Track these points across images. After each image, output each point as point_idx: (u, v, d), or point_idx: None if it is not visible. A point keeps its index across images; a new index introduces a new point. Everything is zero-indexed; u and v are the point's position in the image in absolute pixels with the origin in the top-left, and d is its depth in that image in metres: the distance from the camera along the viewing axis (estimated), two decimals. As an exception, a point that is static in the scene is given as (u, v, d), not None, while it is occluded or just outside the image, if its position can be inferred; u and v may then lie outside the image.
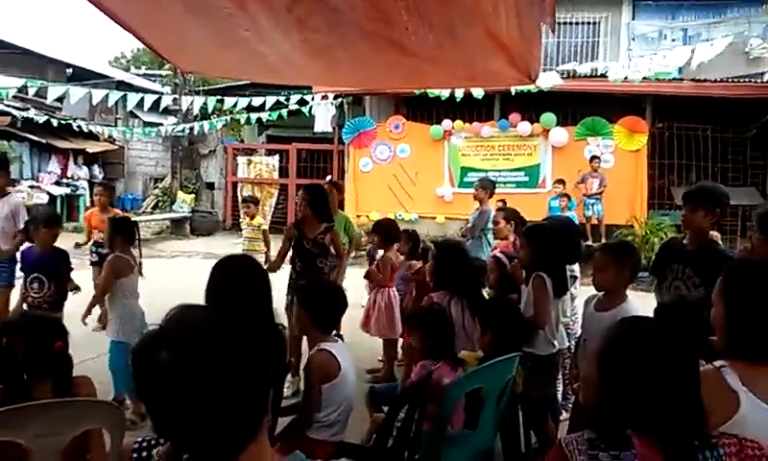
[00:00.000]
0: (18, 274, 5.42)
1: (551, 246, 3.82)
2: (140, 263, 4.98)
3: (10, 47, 20.52)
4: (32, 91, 11.93)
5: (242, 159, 17.67)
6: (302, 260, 5.33)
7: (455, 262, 4.13)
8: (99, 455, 2.40)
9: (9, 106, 16.75)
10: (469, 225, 6.92)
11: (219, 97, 13.04)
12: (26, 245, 5.36)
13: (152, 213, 18.36)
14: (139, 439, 2.70)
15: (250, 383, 1.29)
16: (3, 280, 5.57)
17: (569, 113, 13.25)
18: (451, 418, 2.96)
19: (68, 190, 18.06)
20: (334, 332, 3.31)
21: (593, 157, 12.56)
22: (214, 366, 1.24)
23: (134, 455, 2.65)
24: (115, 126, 20.10)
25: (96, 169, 19.73)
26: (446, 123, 13.67)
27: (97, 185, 7.67)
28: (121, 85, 19.50)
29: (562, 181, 11.68)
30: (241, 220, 17.31)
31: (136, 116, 21.76)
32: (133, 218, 6.52)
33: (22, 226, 5.56)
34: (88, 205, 18.22)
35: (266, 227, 8.26)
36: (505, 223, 5.89)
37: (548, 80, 10.68)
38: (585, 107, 12.98)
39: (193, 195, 17.89)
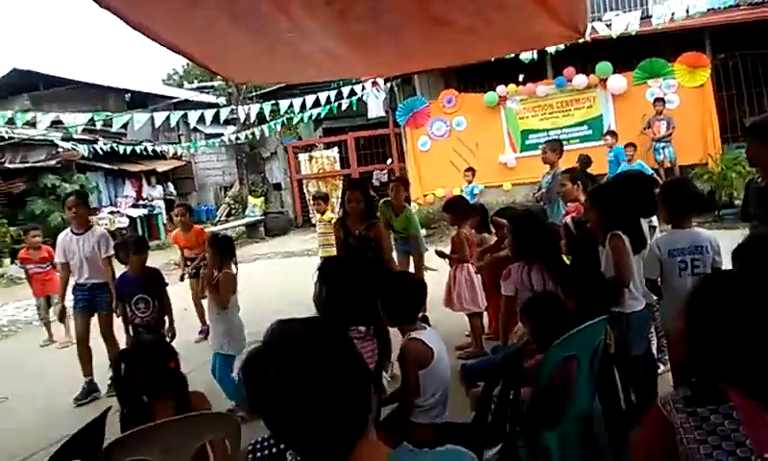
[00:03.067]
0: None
1: (620, 203, 3.77)
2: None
3: (70, 83, 21.54)
4: (82, 120, 12.52)
5: (303, 156, 18.01)
6: (348, 255, 5.40)
7: (531, 231, 4.14)
8: (221, 457, 2.57)
9: (78, 140, 17.59)
10: (543, 190, 6.85)
11: (274, 101, 13.31)
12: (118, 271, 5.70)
13: (227, 221, 18.95)
14: (252, 441, 2.88)
15: (352, 385, 1.40)
16: (82, 308, 5.81)
17: (624, 60, 12.83)
18: (548, 387, 3.00)
19: (145, 211, 18.86)
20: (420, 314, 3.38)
21: (657, 100, 12.14)
22: (316, 374, 1.35)
23: (250, 457, 2.83)
24: (179, 143, 20.78)
25: (169, 186, 20.49)
26: (500, 88, 13.51)
27: (176, 206, 8.08)
28: (179, 103, 20.14)
29: (612, 133, 11.37)
30: (312, 217, 17.83)
31: (197, 130, 22.46)
32: (210, 228, 6.87)
33: (110, 253, 5.84)
34: (166, 222, 19.03)
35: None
36: (572, 184, 5.80)
37: (622, 24, 10.35)
38: (639, 51, 12.53)
39: (262, 198, 18.37)
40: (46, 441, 4.80)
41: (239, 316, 4.96)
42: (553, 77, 13.26)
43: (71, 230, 5.88)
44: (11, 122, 9.54)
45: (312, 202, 9.68)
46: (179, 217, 7.51)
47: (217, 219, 19.98)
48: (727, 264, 3.04)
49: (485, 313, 5.97)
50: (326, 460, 1.39)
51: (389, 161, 17.39)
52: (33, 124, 12.77)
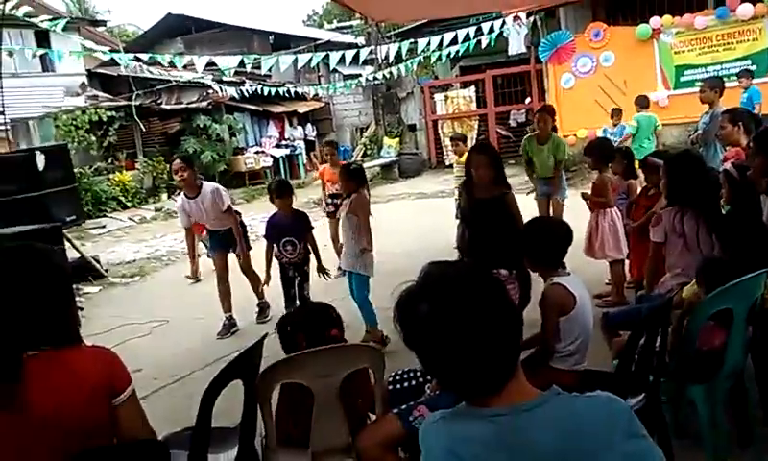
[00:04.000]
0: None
1: None
2: None
3: (219, 26, 22.66)
4: (234, 62, 13.05)
5: (439, 96, 17.87)
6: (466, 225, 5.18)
7: (688, 174, 3.89)
8: (366, 389, 2.72)
9: (227, 82, 18.52)
10: (699, 131, 6.39)
11: (412, 40, 13.24)
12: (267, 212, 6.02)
13: (362, 161, 19.38)
14: (393, 373, 3.01)
15: (503, 325, 1.43)
16: (218, 247, 6.15)
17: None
18: (697, 340, 2.87)
19: (287, 151, 19.68)
20: None
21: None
22: (469, 314, 1.40)
23: (390, 387, 2.97)
24: (318, 84, 21.33)
25: (309, 128, 21.20)
26: (654, 20, 12.58)
27: (324, 144, 8.42)
28: (319, 45, 20.58)
29: (747, 72, 10.05)
30: (450, 158, 17.77)
31: (336, 71, 22.90)
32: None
33: (228, 203, 5.95)
34: (306, 162, 19.80)
35: None
36: (732, 126, 5.32)
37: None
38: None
39: (397, 139, 18.54)
40: (202, 362, 5.32)
41: (371, 241, 5.08)
42: (714, 6, 12.10)
43: (185, 196, 5.91)
44: (171, 65, 10.26)
45: (450, 143, 9.63)
46: (328, 155, 7.85)
47: (353, 159, 20.46)
48: None
49: (626, 261, 5.74)
50: (479, 397, 1.44)
51: (527, 100, 16.85)
52: (186, 66, 13.66)
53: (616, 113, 11.34)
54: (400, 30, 17.71)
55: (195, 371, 5.22)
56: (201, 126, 17.49)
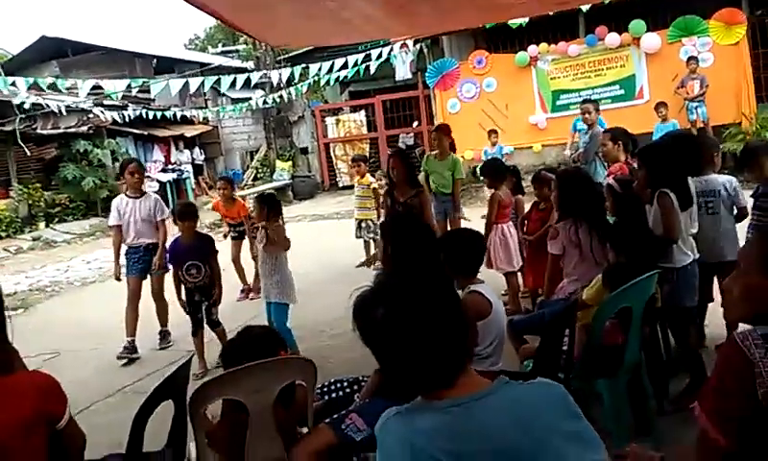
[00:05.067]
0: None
1: (669, 162, 3.85)
2: None
3: (97, 48, 21.66)
4: (121, 86, 12.58)
5: (330, 120, 18.06)
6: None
7: (579, 189, 4.22)
8: (297, 402, 2.74)
9: (108, 106, 17.73)
10: (581, 150, 6.89)
11: (304, 64, 13.34)
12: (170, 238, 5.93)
13: (253, 185, 19.14)
14: (320, 384, 3.05)
15: (450, 325, 1.55)
16: (135, 271, 6.14)
17: (659, 17, 12.66)
18: (602, 337, 3.13)
19: (174, 175, 19.06)
20: None
21: (690, 59, 11.98)
22: (419, 314, 1.52)
23: (318, 399, 3.01)
24: (205, 107, 20.90)
25: (196, 151, 20.67)
26: (531, 48, 13.41)
27: (219, 180, 8.48)
28: (208, 69, 20.19)
29: (663, 104, 11.24)
30: (339, 179, 17.91)
31: (224, 95, 22.53)
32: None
33: (165, 216, 6.16)
34: (194, 186, 19.29)
35: (376, 185, 8.52)
36: (612, 144, 5.83)
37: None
38: (674, 8, 12.36)
39: (290, 162, 18.51)
40: (102, 393, 5.12)
41: (289, 268, 5.19)
42: (585, 35, 13.11)
43: (126, 194, 6.16)
44: (52, 87, 9.71)
45: (351, 163, 9.79)
46: (221, 189, 7.75)
47: (244, 183, 20.17)
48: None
49: (518, 273, 6.08)
50: (434, 390, 1.54)
51: (415, 124, 17.38)
52: (64, 90, 12.94)
53: (493, 134, 11.98)
54: (290, 54, 17.77)
55: (96, 402, 5.02)
56: (81, 151, 16.60)
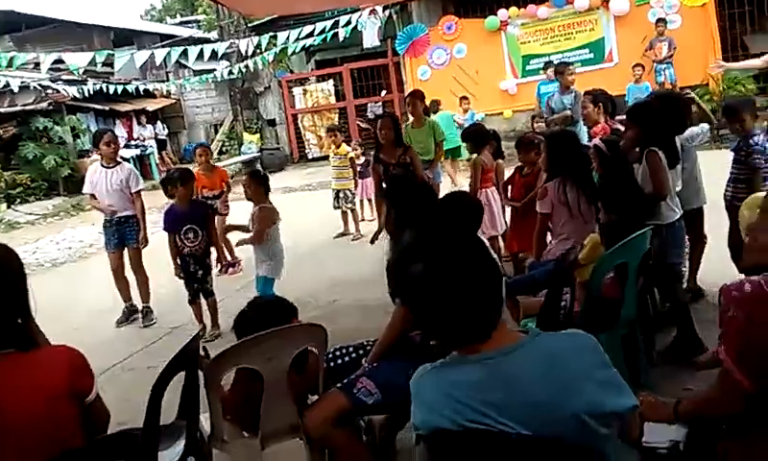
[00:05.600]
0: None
1: (657, 121, 3.93)
2: None
3: (53, 22, 20.94)
4: (84, 60, 12.08)
5: (297, 90, 17.82)
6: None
7: (567, 149, 4.29)
8: (308, 368, 2.75)
9: (66, 81, 17.18)
10: (567, 111, 6.93)
11: (272, 33, 13.10)
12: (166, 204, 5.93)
13: (219, 159, 18.84)
14: (328, 350, 3.06)
15: (487, 280, 1.57)
16: (112, 245, 6.06)
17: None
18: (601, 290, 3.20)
19: (138, 151, 18.65)
20: None
21: (659, 21, 12.13)
22: (458, 270, 1.54)
23: (330, 364, 3.02)
24: (167, 80, 20.42)
25: (159, 126, 20.24)
26: (501, 12, 13.40)
27: (197, 147, 8.04)
28: (166, 39, 19.69)
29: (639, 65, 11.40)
30: (309, 151, 17.71)
31: (185, 66, 21.99)
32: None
33: (140, 187, 6.08)
34: (158, 161, 18.91)
35: (352, 154, 8.47)
36: (593, 106, 5.91)
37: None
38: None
39: (258, 134, 18.24)
40: (97, 369, 5.03)
41: (281, 242, 5.18)
42: (553, -1, 13.15)
43: (101, 164, 6.04)
44: (10, 63, 9.37)
45: (327, 134, 9.67)
46: (200, 156, 7.51)
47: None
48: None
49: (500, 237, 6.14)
50: (470, 344, 1.57)
51: (383, 93, 17.27)
52: (21, 66, 12.47)
53: (464, 101, 12.01)
54: (255, 24, 17.41)
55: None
56: (40, 128, 16.11)
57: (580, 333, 1.67)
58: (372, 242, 5.69)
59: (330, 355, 3.11)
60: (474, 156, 6.08)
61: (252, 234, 5.00)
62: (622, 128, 4.99)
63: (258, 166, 17.23)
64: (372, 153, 6.30)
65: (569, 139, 4.46)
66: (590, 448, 1.48)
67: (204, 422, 2.72)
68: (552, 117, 7.25)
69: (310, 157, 17.60)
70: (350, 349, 3.15)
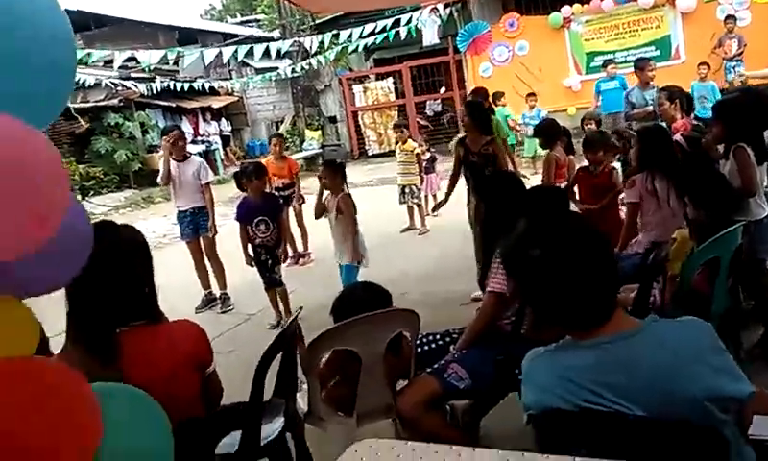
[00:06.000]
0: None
1: (745, 117, 3.86)
2: None
3: (119, 21, 21.65)
4: (155, 58, 12.51)
5: (357, 88, 17.98)
6: (472, 174, 5.61)
7: (660, 144, 4.26)
8: (402, 352, 2.82)
9: (136, 78, 17.76)
10: (650, 107, 6.84)
11: (335, 31, 13.29)
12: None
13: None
14: (421, 335, 3.13)
15: (604, 265, 1.61)
16: (188, 235, 6.36)
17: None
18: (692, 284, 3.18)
19: (203, 147, 19.13)
20: None
21: (728, 18, 11.79)
22: (575, 255, 1.57)
23: (418, 350, 3.09)
24: (230, 78, 20.88)
25: (223, 123, 20.72)
26: (565, 9, 13.25)
27: (272, 137, 8.45)
28: (236, 40, 20.12)
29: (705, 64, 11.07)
30: (368, 148, 17.85)
31: (248, 65, 22.44)
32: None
33: (210, 179, 6.35)
34: (223, 157, 19.38)
35: (419, 150, 8.53)
36: (669, 103, 5.80)
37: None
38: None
39: (319, 131, 18.50)
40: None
41: (360, 230, 5.34)
42: (619, -7, 12.94)
43: (173, 159, 6.27)
44: (82, 63, 9.79)
45: (394, 129, 9.76)
46: (275, 145, 7.81)
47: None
48: None
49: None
50: (588, 329, 1.61)
51: (441, 90, 17.27)
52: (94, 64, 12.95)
53: (531, 98, 11.91)
54: (316, 22, 17.66)
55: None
56: (111, 124, 16.74)
57: (696, 320, 1.69)
58: (434, 211, 5.87)
59: (417, 342, 3.18)
60: (547, 151, 6.07)
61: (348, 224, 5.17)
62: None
63: (320, 162, 17.51)
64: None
65: (662, 134, 4.44)
66: (714, 430, 1.50)
67: (300, 400, 2.84)
68: (632, 112, 7.16)
69: (370, 153, 17.76)
70: (437, 336, 3.22)
